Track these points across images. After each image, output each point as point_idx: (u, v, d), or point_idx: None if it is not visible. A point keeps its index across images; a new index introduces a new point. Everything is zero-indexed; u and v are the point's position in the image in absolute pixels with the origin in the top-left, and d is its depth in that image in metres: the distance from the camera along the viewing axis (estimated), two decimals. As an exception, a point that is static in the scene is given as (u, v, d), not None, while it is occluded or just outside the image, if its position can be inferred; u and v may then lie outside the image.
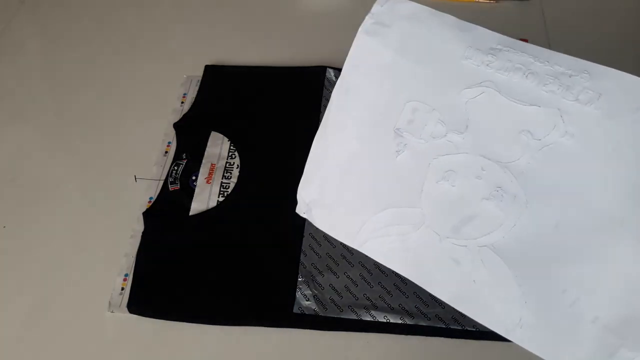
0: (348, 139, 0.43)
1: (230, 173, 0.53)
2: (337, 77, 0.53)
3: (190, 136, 0.56)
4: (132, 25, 0.68)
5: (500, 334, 0.36)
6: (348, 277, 0.46)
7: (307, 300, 0.45)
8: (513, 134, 0.38)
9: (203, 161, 0.54)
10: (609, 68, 0.37)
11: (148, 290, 0.47)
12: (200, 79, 0.60)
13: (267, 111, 0.57)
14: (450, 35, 0.41)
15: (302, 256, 0.47)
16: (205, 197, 0.51)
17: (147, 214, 0.51)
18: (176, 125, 0.57)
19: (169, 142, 0.56)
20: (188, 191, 0.52)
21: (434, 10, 0.42)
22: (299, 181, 0.45)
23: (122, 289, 0.47)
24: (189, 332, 0.45)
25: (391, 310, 0.44)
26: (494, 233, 0.37)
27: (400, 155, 0.41)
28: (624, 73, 0.36)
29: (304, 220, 0.45)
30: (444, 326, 0.43)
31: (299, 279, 0.46)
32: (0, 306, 0.48)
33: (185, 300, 0.46)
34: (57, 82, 0.63)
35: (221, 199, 0.51)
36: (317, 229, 0.44)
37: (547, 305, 0.35)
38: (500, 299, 0.37)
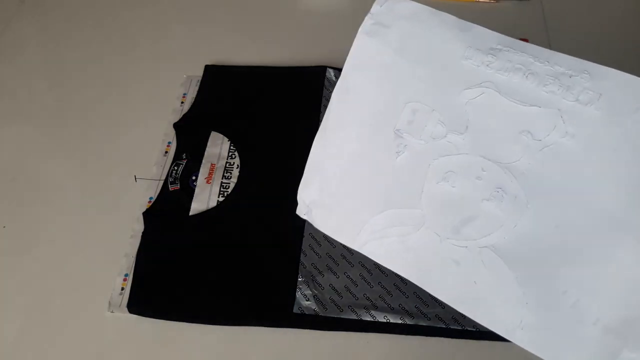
0: (348, 140, 0.43)
1: (230, 173, 0.53)
2: (337, 77, 0.53)
3: (190, 136, 0.56)
4: (132, 25, 0.68)
5: (501, 335, 0.36)
6: (348, 277, 0.46)
7: (307, 300, 0.45)
8: (513, 135, 0.38)
9: (203, 161, 0.54)
10: (609, 68, 0.37)
11: (148, 290, 0.47)
12: (200, 79, 0.60)
13: (267, 111, 0.57)
14: (450, 35, 0.41)
15: (302, 256, 0.47)
16: (205, 197, 0.51)
17: (147, 214, 0.51)
18: (176, 125, 0.57)
19: (169, 142, 0.56)
20: (188, 191, 0.52)
21: (433, 9, 0.42)
22: (299, 181, 0.45)
23: (122, 289, 0.47)
24: (189, 332, 0.45)
25: (391, 310, 0.44)
26: (494, 234, 0.37)
27: (401, 156, 0.41)
28: (624, 73, 0.36)
29: (304, 220, 0.45)
30: (444, 326, 0.43)
31: (299, 279, 0.46)
32: (0, 306, 0.48)
33: (185, 300, 0.46)
34: (57, 82, 0.63)
35: (221, 199, 0.51)
36: (317, 229, 0.44)
37: (548, 306, 0.35)
38: (501, 300, 0.36)
